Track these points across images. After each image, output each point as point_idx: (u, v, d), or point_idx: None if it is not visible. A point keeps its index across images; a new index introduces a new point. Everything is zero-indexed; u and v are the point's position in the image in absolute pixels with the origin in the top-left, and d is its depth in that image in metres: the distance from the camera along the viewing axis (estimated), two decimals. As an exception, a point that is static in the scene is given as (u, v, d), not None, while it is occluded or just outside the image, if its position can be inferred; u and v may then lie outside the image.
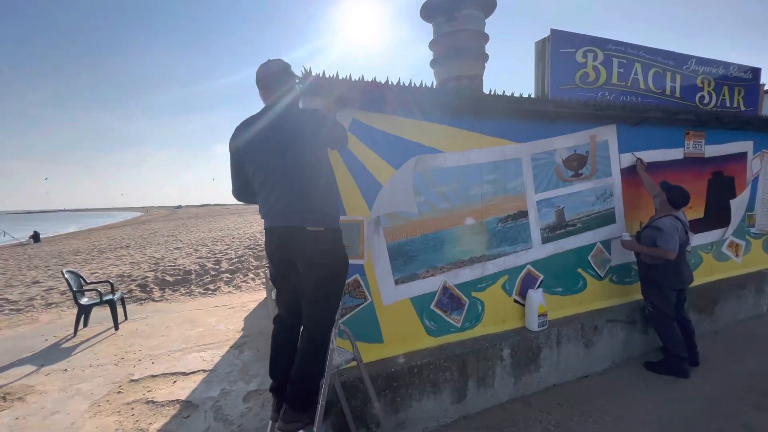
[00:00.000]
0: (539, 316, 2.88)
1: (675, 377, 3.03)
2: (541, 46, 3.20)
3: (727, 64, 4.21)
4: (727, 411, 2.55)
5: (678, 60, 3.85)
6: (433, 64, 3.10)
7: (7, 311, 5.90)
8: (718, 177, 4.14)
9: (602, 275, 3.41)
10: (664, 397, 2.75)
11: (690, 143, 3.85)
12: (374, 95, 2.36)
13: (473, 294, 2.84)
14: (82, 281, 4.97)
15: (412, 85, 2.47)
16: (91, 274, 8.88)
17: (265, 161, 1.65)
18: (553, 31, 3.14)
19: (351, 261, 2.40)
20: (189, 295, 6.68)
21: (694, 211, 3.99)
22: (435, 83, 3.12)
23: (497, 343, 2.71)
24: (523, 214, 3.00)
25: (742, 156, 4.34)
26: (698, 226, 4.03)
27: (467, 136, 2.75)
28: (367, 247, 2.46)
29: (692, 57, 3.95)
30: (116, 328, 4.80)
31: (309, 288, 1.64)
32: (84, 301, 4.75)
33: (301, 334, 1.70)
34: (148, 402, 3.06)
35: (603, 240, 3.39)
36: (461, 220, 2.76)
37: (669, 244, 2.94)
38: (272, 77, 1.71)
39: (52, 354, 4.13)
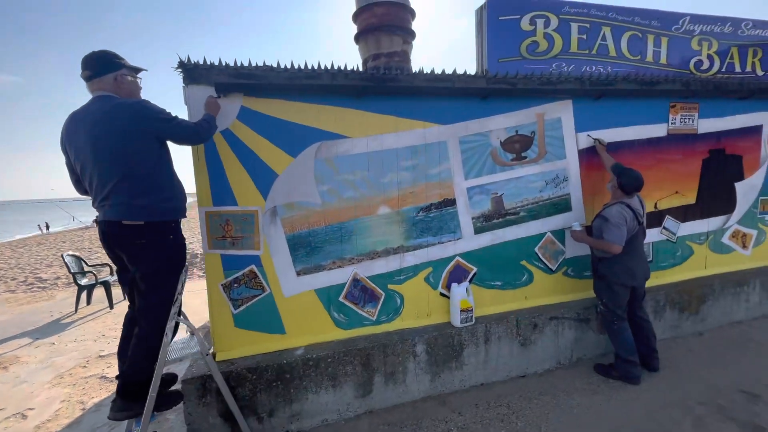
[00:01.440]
0: (462, 311, 2.69)
1: (624, 383, 2.72)
2: (479, 15, 2.88)
3: (737, 21, 3.54)
4: (662, 427, 2.25)
5: (665, 20, 3.30)
6: (355, 39, 2.90)
7: (35, 288, 6.67)
8: (717, 156, 3.55)
9: (554, 268, 3.10)
10: (598, 405, 2.49)
11: (676, 117, 3.31)
12: (263, 80, 2.26)
13: (390, 287, 2.71)
14: (84, 264, 5.45)
15: (308, 67, 2.34)
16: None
17: (84, 155, 1.65)
18: (488, -4, 2.80)
19: (246, 252, 2.40)
20: (189, 278, 7.10)
21: (683, 196, 3.48)
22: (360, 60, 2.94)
23: (409, 338, 2.58)
24: (450, 202, 2.78)
25: (754, 130, 3.68)
26: (689, 213, 3.51)
27: (379, 120, 2.57)
28: (263, 237, 2.42)
29: (685, 15, 3.37)
30: (111, 307, 5.24)
31: (138, 281, 1.64)
32: (83, 281, 5.23)
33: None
34: (101, 377, 3.33)
35: (555, 230, 3.07)
36: (374, 209, 2.61)
37: (613, 236, 2.58)
38: (91, 68, 1.68)
39: (50, 328, 4.61)
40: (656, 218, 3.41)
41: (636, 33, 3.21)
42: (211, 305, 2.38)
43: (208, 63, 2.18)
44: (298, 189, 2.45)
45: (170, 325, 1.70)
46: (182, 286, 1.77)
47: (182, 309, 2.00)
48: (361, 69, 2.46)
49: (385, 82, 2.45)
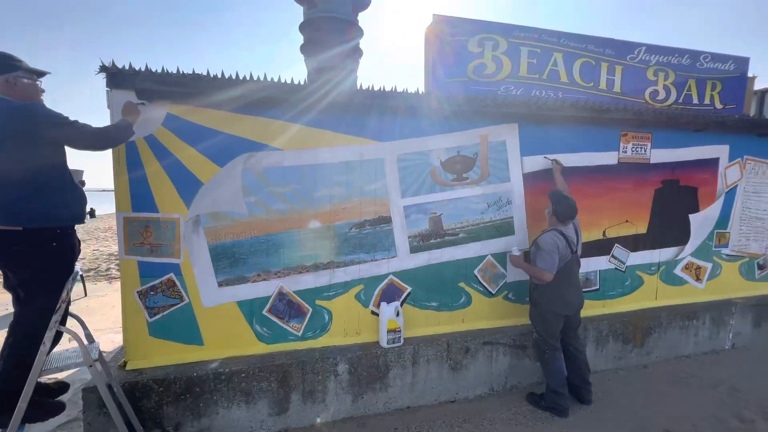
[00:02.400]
0: (389, 331, 2.64)
1: (552, 414, 2.66)
2: (427, 35, 2.88)
3: (695, 54, 3.55)
4: (577, 463, 2.19)
5: (619, 49, 3.30)
6: (301, 50, 2.90)
7: None
8: (671, 186, 3.53)
9: (494, 292, 3.05)
10: (518, 437, 2.42)
11: (627, 146, 3.30)
12: (191, 89, 2.25)
13: (318, 302, 2.66)
14: None
15: (240, 77, 2.33)
16: (94, 251, 9.70)
17: None
18: (435, 16, 2.81)
19: (165, 259, 2.36)
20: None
21: (634, 225, 3.44)
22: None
23: (331, 356, 2.53)
24: (386, 219, 2.75)
25: (711, 163, 3.66)
26: (639, 242, 3.48)
27: (313, 134, 2.56)
28: (184, 246, 2.38)
29: (641, 45, 3.37)
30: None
31: (17, 288, 1.61)
32: None
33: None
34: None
35: (497, 253, 3.03)
36: (304, 223, 2.58)
37: (544, 263, 2.55)
38: None
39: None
40: (605, 246, 3.37)
41: (589, 60, 3.21)
42: (124, 312, 2.34)
43: (134, 68, 2.17)
44: (224, 199, 2.43)
45: (49, 334, 1.66)
46: (68, 294, 1.73)
47: (70, 316, 1.95)
48: (304, 81, 2.45)
49: (322, 96, 2.44)
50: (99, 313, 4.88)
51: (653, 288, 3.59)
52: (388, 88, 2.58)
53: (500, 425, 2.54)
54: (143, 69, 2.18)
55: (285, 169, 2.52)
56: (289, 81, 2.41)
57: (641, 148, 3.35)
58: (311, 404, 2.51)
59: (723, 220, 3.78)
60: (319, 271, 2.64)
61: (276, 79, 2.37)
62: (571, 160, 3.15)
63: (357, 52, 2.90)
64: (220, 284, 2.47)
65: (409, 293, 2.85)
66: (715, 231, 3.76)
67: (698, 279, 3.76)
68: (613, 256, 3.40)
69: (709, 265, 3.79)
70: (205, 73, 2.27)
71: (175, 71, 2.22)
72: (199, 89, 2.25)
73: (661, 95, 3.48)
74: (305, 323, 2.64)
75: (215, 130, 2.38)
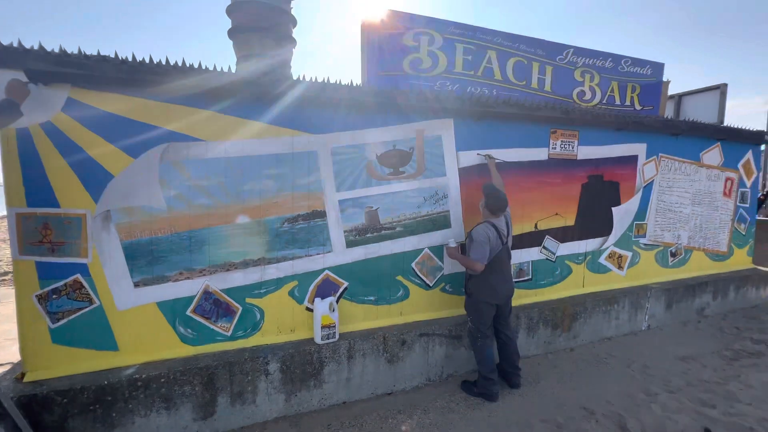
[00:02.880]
0: (323, 327, 2.61)
1: (483, 400, 2.77)
2: (363, 28, 2.84)
3: (617, 57, 3.81)
4: (500, 445, 2.29)
5: (549, 50, 3.46)
6: (228, 34, 2.75)
7: None
8: (596, 181, 3.78)
9: (431, 284, 3.11)
10: (448, 424, 2.49)
11: (557, 143, 3.48)
12: (96, 72, 2.04)
13: (249, 300, 2.56)
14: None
15: (154, 62, 2.16)
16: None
17: None
18: (371, 9, 2.77)
19: (69, 259, 2.15)
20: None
21: (563, 218, 3.66)
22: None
23: (261, 356, 2.45)
24: (320, 213, 2.69)
25: (631, 160, 3.97)
26: (568, 234, 3.70)
27: (239, 125, 2.43)
28: (93, 244, 2.19)
29: (570, 47, 3.56)
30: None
31: None
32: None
33: None
34: None
35: (434, 246, 3.09)
36: (231, 218, 2.46)
37: (476, 253, 2.63)
38: None
39: None
40: (536, 238, 3.55)
41: (522, 60, 3.34)
42: (20, 319, 2.10)
43: (25, 46, 1.94)
44: (139, 193, 2.25)
45: None
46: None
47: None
48: (230, 69, 2.32)
49: (248, 85, 2.32)
50: (12, 321, 4.39)
51: (581, 276, 3.84)
52: (321, 80, 2.53)
53: (433, 413, 2.61)
54: (36, 47, 1.95)
55: (209, 161, 2.38)
56: (212, 68, 2.27)
57: (569, 144, 3.55)
58: (240, 406, 2.42)
59: (641, 213, 4.12)
60: (249, 268, 2.54)
61: (197, 66, 2.23)
62: (505, 155, 3.27)
63: (289, 41, 2.80)
64: (136, 284, 2.29)
65: (345, 288, 2.83)
66: (635, 222, 4.10)
67: (620, 267, 4.09)
68: (544, 247, 3.59)
69: (630, 254, 4.12)
70: (112, 56, 2.08)
71: (76, 51, 2.01)
72: (104, 73, 2.05)
73: (588, 95, 3.71)
74: (235, 322, 2.54)
75: (127, 119, 2.19)
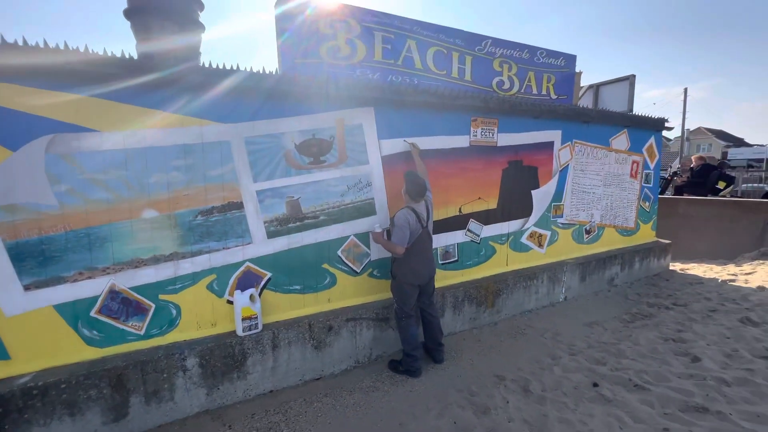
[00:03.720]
0: (244, 319, 2.60)
1: (408, 377, 2.93)
2: (277, 13, 2.77)
3: (533, 49, 4.04)
4: (413, 417, 2.45)
5: (468, 40, 3.60)
6: (125, 15, 2.56)
7: None
8: (515, 166, 4.04)
9: (359, 270, 3.19)
10: (371, 402, 2.61)
11: (477, 130, 3.67)
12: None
13: (163, 297, 2.48)
14: None
15: (31, 44, 1.97)
16: None
17: None
18: (280, -7, 2.71)
19: (-62, 265, 1.94)
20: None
21: (486, 202, 3.88)
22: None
23: (177, 352, 2.40)
24: (237, 205, 2.64)
25: (548, 145, 4.27)
26: (491, 217, 3.94)
27: (140, 114, 2.30)
28: (-32, 247, 2.00)
29: (488, 38, 3.71)
30: None
31: None
32: None
33: None
34: None
35: (359, 233, 3.16)
36: (136, 212, 2.35)
37: (397, 237, 2.74)
38: None
39: None
40: (461, 221, 3.74)
41: (441, 49, 3.44)
42: None
43: None
44: (22, 188, 2.07)
45: None
46: None
47: None
48: (122, 53, 2.16)
49: (146, 71, 2.19)
50: None
51: (504, 256, 4.12)
52: (230, 67, 2.45)
53: (359, 393, 2.71)
54: None
55: (105, 153, 2.24)
56: (106, 53, 2.12)
57: (489, 132, 3.75)
58: (157, 404, 2.36)
59: (558, 195, 4.48)
60: (161, 264, 2.45)
61: (83, 49, 2.06)
62: (428, 143, 3.39)
63: (195, 26, 2.66)
64: (27, 288, 2.13)
65: (269, 279, 2.82)
66: (552, 204, 4.44)
67: (540, 245, 4.43)
68: (468, 230, 3.80)
69: (549, 233, 4.48)
70: (-25, 36, 1.87)
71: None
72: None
73: (506, 85, 3.91)
74: (148, 320, 2.45)
75: (1, 107, 1.99)
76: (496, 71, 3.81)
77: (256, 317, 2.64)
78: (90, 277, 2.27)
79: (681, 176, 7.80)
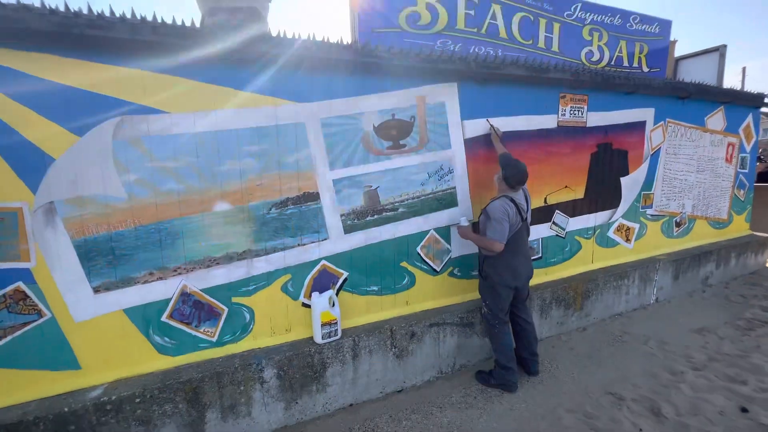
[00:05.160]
0: (324, 324, 2.30)
1: (501, 391, 2.55)
2: (351, -26, 2.43)
3: (626, 14, 3.51)
4: (529, 442, 2.08)
5: (557, 4, 3.13)
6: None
7: None
8: (605, 150, 3.54)
9: (438, 269, 2.83)
10: (469, 422, 2.26)
11: (566, 109, 3.20)
12: (18, 25, 1.59)
13: (236, 300, 2.22)
14: None
15: (94, 13, 1.71)
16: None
17: None
18: (357, -50, 2.36)
19: (4, 264, 1.74)
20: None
21: (572, 191, 3.41)
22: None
23: (254, 362, 2.13)
24: (313, 196, 2.34)
25: (639, 126, 3.73)
26: (577, 208, 3.47)
27: (210, 92, 2.03)
28: (35, 245, 1.78)
29: (578, 1, 3.22)
30: None
31: None
32: None
33: None
34: None
35: (440, 227, 2.79)
36: (208, 205, 2.08)
37: (495, 232, 2.35)
38: None
39: None
40: (546, 213, 3.30)
41: (527, 15, 3.00)
42: (-52, 341, 1.70)
43: None
44: (90, 179, 1.84)
45: None
46: None
47: None
48: (192, 23, 1.89)
49: (208, 41, 1.90)
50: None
51: (590, 252, 3.64)
52: (306, 38, 2.13)
53: (450, 410, 2.37)
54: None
55: (176, 137, 1.97)
56: (170, 21, 1.84)
57: (578, 110, 3.27)
58: (234, 420, 2.11)
59: (648, 182, 3.93)
60: (234, 263, 2.18)
61: (151, 19, 1.80)
62: (512, 123, 2.97)
63: (264, -8, 2.36)
64: (96, 290, 1.90)
65: (345, 279, 2.51)
66: (642, 192, 3.90)
67: (627, 240, 3.91)
68: (554, 223, 3.35)
69: (637, 226, 3.95)
70: (38, 4, 1.63)
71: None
72: (29, 25, 1.60)
73: (596, 56, 3.41)
74: (220, 326, 2.19)
75: (65, 86, 1.76)
76: (585, 40, 3.32)
77: (336, 323, 2.34)
78: (161, 278, 2.03)
79: (765, 161, 6.91)
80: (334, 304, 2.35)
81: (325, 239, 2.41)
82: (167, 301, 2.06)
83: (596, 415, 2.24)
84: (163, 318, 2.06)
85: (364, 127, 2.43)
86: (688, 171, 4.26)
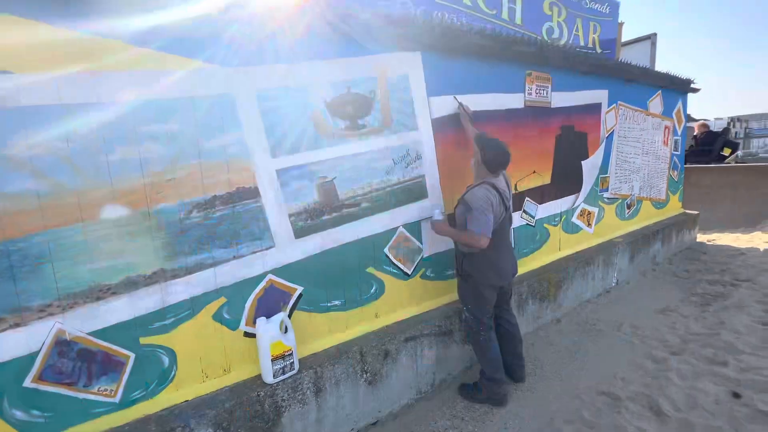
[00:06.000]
0: (275, 359, 1.77)
1: (490, 406, 2.23)
2: None
3: (581, -10, 3.38)
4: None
5: (518, -28, 2.86)
6: None
7: None
8: (568, 133, 3.40)
9: (410, 272, 2.43)
10: (461, 452, 1.90)
11: (532, 88, 2.96)
12: None
13: (146, 341, 1.60)
14: None
15: None
16: None
17: None
18: None
19: None
20: None
21: (540, 176, 3.22)
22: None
23: (180, 424, 1.54)
24: (250, 192, 1.79)
25: (596, 108, 3.66)
26: (545, 194, 3.29)
27: (88, 47, 1.39)
28: None
29: (538, -29, 3.00)
30: None
31: None
32: None
33: None
34: None
35: (409, 223, 2.39)
36: (90, 211, 1.44)
37: (479, 225, 2.00)
38: None
39: None
40: (516, 201, 3.05)
41: (491, -19, 2.69)
42: None
43: None
44: None
45: None
46: None
47: None
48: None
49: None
50: None
51: (557, 239, 3.50)
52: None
53: (437, 441, 1.99)
54: None
55: (27, 112, 1.31)
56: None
57: (543, 90, 3.06)
58: None
59: (605, 165, 3.90)
60: (140, 290, 1.56)
61: None
62: (480, 102, 2.64)
63: None
64: None
65: (300, 295, 1.99)
66: (599, 176, 3.87)
67: (589, 224, 3.86)
68: (524, 211, 3.12)
69: (596, 210, 3.91)
70: None
71: None
72: None
73: (556, 33, 3.25)
74: (124, 380, 1.56)
75: None
76: (545, 15, 3.13)
77: (291, 353, 1.82)
78: (17, 325, 1.35)
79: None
80: (287, 330, 1.83)
81: (271, 247, 1.87)
82: (33, 356, 1.38)
83: (596, 423, 2.00)
84: (27, 383, 1.38)
85: (314, 102, 1.92)
86: (635, 154, 4.35)
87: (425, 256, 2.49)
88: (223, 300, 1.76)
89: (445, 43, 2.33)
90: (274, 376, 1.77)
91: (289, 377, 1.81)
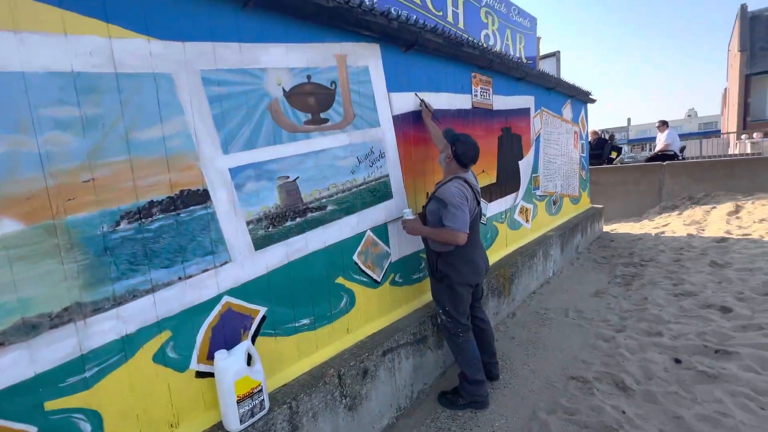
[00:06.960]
0: (241, 400, 1.43)
1: (473, 411, 2.15)
2: None
3: (508, 3, 3.64)
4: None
5: (459, -22, 2.95)
6: None
7: None
8: (507, 134, 3.60)
9: (379, 279, 2.25)
10: (457, 467, 1.76)
11: (477, 89, 3.06)
12: None
13: (55, 405, 1.15)
14: None
15: None
16: None
17: None
18: None
19: None
20: None
21: (488, 175, 3.33)
22: None
23: None
24: (198, 195, 1.45)
25: (526, 112, 3.95)
26: (493, 192, 3.41)
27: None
28: None
29: (474, -20, 3.13)
30: None
31: None
32: None
33: None
34: None
35: (377, 226, 2.22)
36: (-41, 227, 0.99)
37: (456, 221, 1.92)
38: None
39: None
40: (470, 200, 3.11)
41: (437, -17, 2.71)
42: None
43: None
44: None
45: None
46: None
47: None
48: None
49: None
50: None
51: (504, 236, 3.65)
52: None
53: (428, 459, 1.82)
54: None
55: None
56: None
57: (486, 92, 3.19)
58: None
59: (535, 165, 4.23)
60: (43, 336, 1.12)
61: None
62: (438, 101, 2.62)
63: None
64: None
65: (263, 318, 1.67)
66: (532, 175, 4.18)
67: (527, 220, 4.12)
68: (477, 209, 3.18)
69: (532, 207, 4.20)
70: None
71: None
72: None
73: (492, 40, 3.43)
74: (23, 467, 1.10)
75: None
76: (483, 22, 3.28)
77: (260, 389, 1.49)
78: None
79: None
80: (253, 362, 1.50)
81: (226, 263, 1.53)
82: None
83: (576, 409, 2.04)
84: None
85: (272, 92, 1.66)
86: (556, 155, 4.81)
87: (393, 260, 2.34)
88: (166, 335, 1.37)
89: (401, 38, 2.25)
90: (241, 420, 1.42)
91: (260, 419, 1.48)
